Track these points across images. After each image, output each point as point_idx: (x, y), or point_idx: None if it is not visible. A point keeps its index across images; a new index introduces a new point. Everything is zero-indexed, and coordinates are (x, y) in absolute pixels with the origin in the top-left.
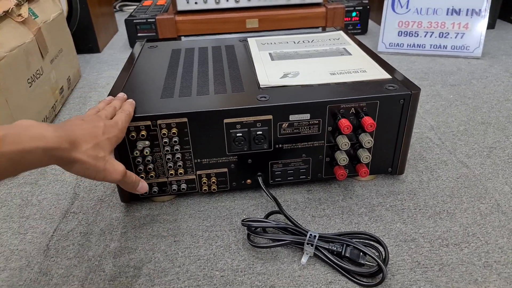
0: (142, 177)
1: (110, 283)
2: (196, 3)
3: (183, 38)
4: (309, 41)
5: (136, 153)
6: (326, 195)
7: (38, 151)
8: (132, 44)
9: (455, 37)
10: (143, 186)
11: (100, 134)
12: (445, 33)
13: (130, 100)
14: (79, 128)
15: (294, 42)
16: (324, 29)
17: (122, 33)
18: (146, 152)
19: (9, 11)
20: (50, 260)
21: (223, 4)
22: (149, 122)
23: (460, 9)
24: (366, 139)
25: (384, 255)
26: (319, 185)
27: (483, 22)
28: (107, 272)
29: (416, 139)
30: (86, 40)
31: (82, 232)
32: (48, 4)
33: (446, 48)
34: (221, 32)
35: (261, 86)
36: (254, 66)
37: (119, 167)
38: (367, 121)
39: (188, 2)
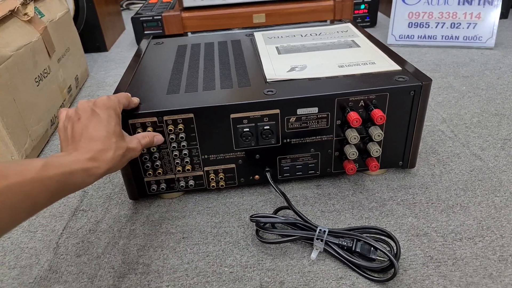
0: (149, 174)
1: (120, 279)
2: None
3: (189, 35)
4: (316, 34)
5: (143, 150)
6: (336, 190)
7: (78, 171)
8: (139, 42)
9: (467, 28)
10: (158, 138)
11: (106, 123)
12: (457, 23)
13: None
14: (89, 136)
15: (301, 35)
16: (332, 22)
17: (129, 31)
18: (153, 149)
19: (15, 10)
20: (60, 258)
21: (230, 0)
22: (155, 119)
23: None
24: (376, 132)
25: (395, 250)
26: (328, 180)
27: (496, 11)
28: (116, 269)
29: (427, 132)
30: (93, 39)
31: (91, 230)
32: (54, 3)
33: (458, 39)
34: (228, 28)
35: (268, 80)
36: (260, 60)
37: (138, 146)
38: (377, 113)
39: None
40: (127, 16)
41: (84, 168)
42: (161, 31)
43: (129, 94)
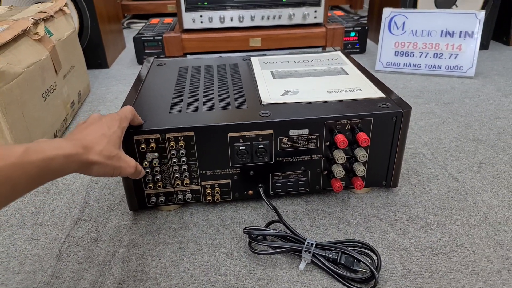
0: (150, 187)
1: (119, 286)
2: (201, 22)
3: (188, 56)
4: (308, 61)
5: (146, 164)
6: (324, 206)
7: (60, 158)
8: (139, 60)
9: (449, 58)
10: (143, 172)
11: (106, 129)
12: (440, 53)
13: None
14: (87, 131)
15: (295, 62)
16: (324, 49)
17: (129, 49)
18: (155, 163)
19: (27, 29)
20: (62, 264)
21: (228, 24)
22: (158, 135)
23: (453, 31)
24: (361, 154)
25: (377, 263)
26: (317, 196)
27: (476, 43)
28: (116, 276)
29: (410, 154)
30: (95, 56)
31: (92, 239)
32: (62, 23)
33: (440, 68)
34: (225, 50)
35: (263, 103)
36: (256, 83)
37: (132, 162)
38: (362, 136)
39: (194, 21)
40: (127, 34)
41: (66, 154)
42: (161, 51)
43: (133, 109)
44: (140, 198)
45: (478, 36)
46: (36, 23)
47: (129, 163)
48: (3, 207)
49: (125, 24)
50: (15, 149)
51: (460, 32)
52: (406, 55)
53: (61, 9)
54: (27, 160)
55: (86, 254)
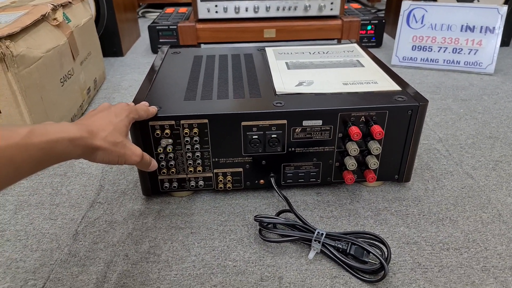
0: (163, 173)
1: (133, 266)
2: (216, 12)
3: (202, 46)
4: (324, 52)
5: (160, 150)
6: (335, 198)
7: (64, 141)
8: (154, 49)
9: (469, 53)
10: (154, 165)
11: (113, 117)
12: (459, 49)
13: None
14: (94, 118)
15: (310, 53)
16: (339, 42)
17: (144, 38)
18: (169, 150)
19: (46, 15)
20: (79, 244)
21: (243, 14)
22: (173, 122)
23: (474, 26)
24: (375, 146)
25: (386, 254)
26: (328, 188)
27: (497, 39)
28: (129, 257)
29: (424, 150)
30: (111, 44)
31: (107, 221)
32: (79, 10)
33: (459, 63)
34: (240, 41)
35: (277, 93)
36: (271, 74)
37: (137, 150)
38: (376, 129)
39: (209, 11)
40: (142, 24)
41: (71, 138)
42: (175, 40)
43: (147, 104)
44: (153, 183)
45: (499, 32)
46: (54, 9)
47: (134, 152)
48: (5, 188)
49: (140, 13)
50: (19, 130)
51: (481, 27)
52: (424, 49)
53: None
54: (31, 141)
55: (101, 235)
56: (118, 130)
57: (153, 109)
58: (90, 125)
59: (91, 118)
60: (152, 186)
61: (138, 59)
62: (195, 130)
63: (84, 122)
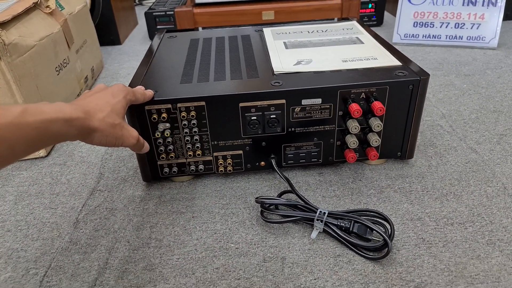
0: (162, 158)
1: (134, 252)
2: None
3: (200, 29)
4: (322, 31)
5: (158, 135)
6: (337, 177)
7: (59, 121)
8: (151, 36)
9: (471, 28)
10: (146, 146)
11: (111, 97)
12: (461, 23)
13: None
14: (90, 98)
15: (308, 32)
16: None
17: (141, 26)
18: (167, 134)
19: (38, 2)
20: (80, 232)
21: None
22: (169, 105)
23: (476, 0)
24: (376, 123)
25: (390, 231)
26: (330, 168)
27: (500, 13)
28: (131, 243)
29: (427, 126)
30: (108, 33)
31: (108, 208)
32: None
33: (461, 38)
34: (238, 24)
35: (275, 72)
36: (268, 54)
37: (134, 132)
38: (377, 105)
39: None
40: (139, 11)
41: (66, 118)
42: (173, 26)
43: (144, 88)
44: (153, 169)
45: (502, 5)
46: None
47: (131, 133)
48: (1, 168)
49: (137, 1)
50: (13, 108)
51: (483, 0)
52: (426, 25)
53: None
54: (25, 121)
55: (102, 222)
56: (116, 111)
57: (150, 92)
58: (86, 105)
59: (87, 98)
60: (152, 172)
61: (136, 46)
62: (193, 113)
63: (80, 103)
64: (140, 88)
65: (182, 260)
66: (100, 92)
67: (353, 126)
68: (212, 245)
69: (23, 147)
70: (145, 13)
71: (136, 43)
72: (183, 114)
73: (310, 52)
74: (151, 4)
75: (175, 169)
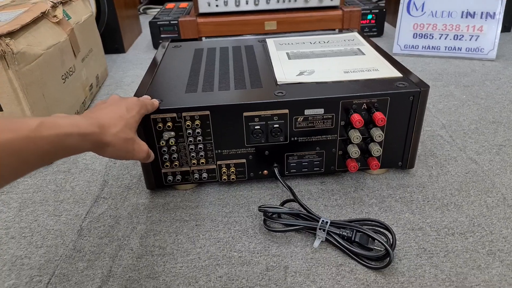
0: (167, 166)
1: (138, 259)
2: (217, 6)
3: (203, 39)
4: (324, 42)
5: (162, 143)
6: (339, 186)
7: (74, 135)
8: (155, 45)
9: (470, 40)
10: (153, 157)
11: (125, 112)
12: (460, 35)
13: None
14: (105, 111)
15: (311, 43)
16: (340, 31)
17: (145, 34)
18: (171, 142)
19: (46, 12)
20: (83, 239)
21: (243, 7)
22: (174, 114)
23: (474, 12)
24: (377, 133)
25: (392, 241)
26: (332, 177)
27: (498, 25)
28: (135, 251)
29: (427, 136)
30: (112, 41)
31: (112, 215)
32: (79, 7)
33: (460, 50)
34: (241, 34)
35: (278, 83)
36: (272, 64)
37: (144, 146)
38: (378, 116)
39: (209, 5)
40: (144, 20)
41: (81, 133)
42: (177, 35)
43: (150, 98)
44: (157, 177)
45: (500, 17)
46: (54, 6)
47: (142, 148)
48: (12, 181)
49: (141, 10)
50: (29, 122)
51: (482, 13)
52: (425, 37)
53: None
54: (40, 134)
55: (106, 229)
56: (129, 126)
57: (156, 102)
58: (101, 118)
59: (101, 110)
60: (156, 179)
61: (140, 55)
62: (197, 122)
63: (94, 115)
64: (147, 98)
65: (185, 268)
66: (115, 105)
67: (355, 136)
68: (215, 254)
69: (36, 160)
70: (150, 22)
71: (140, 51)
72: (188, 123)
73: (313, 62)
74: (155, 13)
75: (179, 177)
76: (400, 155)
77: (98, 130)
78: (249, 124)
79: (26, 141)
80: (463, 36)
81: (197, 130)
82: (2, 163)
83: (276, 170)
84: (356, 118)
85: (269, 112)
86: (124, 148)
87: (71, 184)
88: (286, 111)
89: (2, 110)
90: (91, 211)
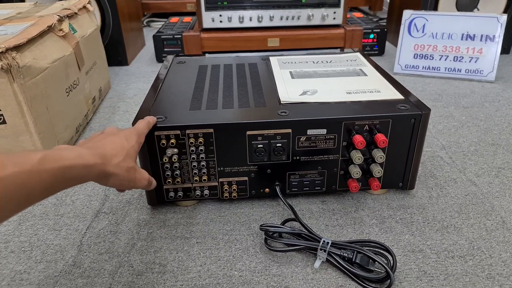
0: (169, 182)
1: (138, 277)
2: (221, 21)
3: (207, 55)
4: (327, 62)
5: (165, 160)
6: (340, 206)
7: (78, 167)
8: (158, 58)
9: (469, 61)
10: (154, 184)
11: (125, 142)
12: (460, 57)
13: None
14: (105, 142)
15: (314, 62)
16: (342, 50)
17: (149, 47)
18: (174, 159)
19: (52, 26)
20: (83, 255)
21: (247, 23)
22: (178, 132)
23: (474, 35)
24: (379, 155)
25: (392, 263)
26: (333, 196)
27: (497, 47)
28: (135, 268)
29: (427, 157)
30: (116, 53)
31: (112, 231)
32: (85, 20)
33: (460, 71)
34: (244, 50)
35: (281, 102)
36: (275, 83)
37: (145, 174)
38: (380, 137)
39: (213, 21)
40: (147, 33)
41: (85, 164)
42: (180, 49)
43: (147, 120)
44: (158, 193)
45: (499, 40)
46: (61, 20)
47: (143, 176)
48: (15, 214)
49: (145, 23)
50: (32, 156)
51: (481, 35)
52: (426, 57)
53: (84, 7)
54: (44, 168)
55: (106, 245)
56: (129, 155)
57: (153, 120)
58: (103, 149)
59: (102, 141)
60: (157, 195)
61: (143, 68)
62: (201, 139)
63: (95, 146)
64: (143, 123)
65: (185, 286)
66: (114, 135)
67: (357, 157)
68: (215, 272)
69: (40, 193)
70: (154, 36)
71: (143, 64)
72: (191, 140)
73: (316, 82)
74: (159, 26)
75: (180, 193)
76: (401, 176)
77: (101, 161)
78: (252, 142)
79: (30, 174)
80: (463, 57)
81: (200, 148)
82: (6, 197)
83: (277, 189)
84: (358, 139)
85: (272, 131)
86: (127, 178)
87: (72, 198)
88: (289, 130)
89: (6, 123)
90: (91, 226)
